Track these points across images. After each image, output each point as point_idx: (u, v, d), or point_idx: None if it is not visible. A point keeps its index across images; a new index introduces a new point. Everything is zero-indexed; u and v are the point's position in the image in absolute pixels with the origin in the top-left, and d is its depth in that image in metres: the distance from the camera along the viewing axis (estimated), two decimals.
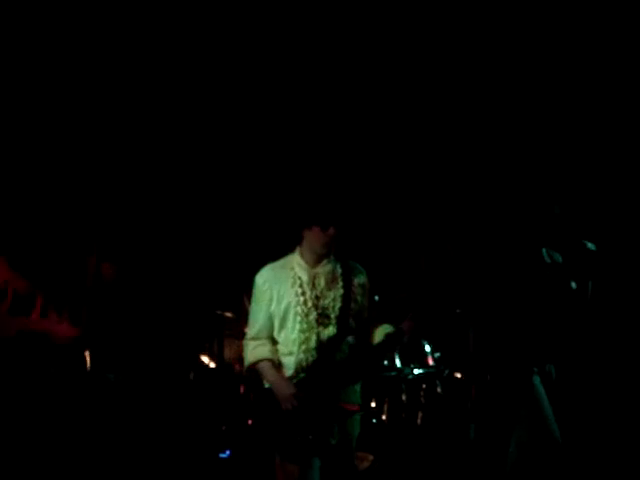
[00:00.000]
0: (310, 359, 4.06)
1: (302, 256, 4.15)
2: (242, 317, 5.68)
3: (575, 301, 4.71)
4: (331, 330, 4.10)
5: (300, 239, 4.14)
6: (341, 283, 4.15)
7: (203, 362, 6.16)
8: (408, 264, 7.27)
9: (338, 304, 4.11)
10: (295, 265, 4.14)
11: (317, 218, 4.07)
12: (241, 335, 4.84)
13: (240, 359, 5.17)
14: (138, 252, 6.30)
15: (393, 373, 5.90)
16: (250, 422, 5.72)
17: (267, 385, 4.10)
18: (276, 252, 4.29)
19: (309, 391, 4.02)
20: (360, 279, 4.21)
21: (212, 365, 6.10)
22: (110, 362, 5.10)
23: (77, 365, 4.82)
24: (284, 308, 4.10)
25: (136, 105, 6.41)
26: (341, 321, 4.10)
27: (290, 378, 4.07)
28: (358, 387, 4.21)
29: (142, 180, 6.55)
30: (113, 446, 5.00)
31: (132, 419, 5.47)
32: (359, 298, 4.19)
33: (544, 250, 4.73)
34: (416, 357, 6.05)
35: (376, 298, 6.07)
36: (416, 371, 5.94)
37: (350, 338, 4.16)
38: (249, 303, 4.27)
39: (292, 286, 4.10)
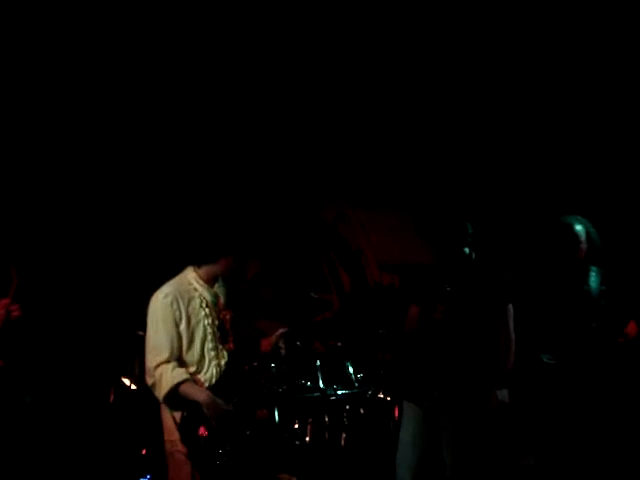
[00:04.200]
0: (216, 377, 4.20)
1: (200, 276, 4.27)
2: None
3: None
4: (232, 347, 4.30)
5: (208, 262, 4.25)
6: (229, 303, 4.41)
7: (124, 384, 6.05)
8: (332, 285, 7.30)
9: (233, 322, 4.34)
10: (196, 285, 4.24)
11: (239, 249, 4.29)
12: None
13: None
14: (55, 272, 6.18)
15: (316, 394, 5.89)
16: None
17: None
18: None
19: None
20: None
21: (133, 387, 6.00)
22: (27, 384, 4.95)
23: None
24: (193, 327, 4.16)
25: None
26: (236, 338, 4.32)
27: None
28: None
29: (55, 198, 6.42)
30: (29, 470, 4.87)
31: (50, 443, 5.33)
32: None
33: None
34: (339, 378, 6.05)
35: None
36: (339, 392, 5.94)
37: None
38: None
39: (200, 305, 4.21)
